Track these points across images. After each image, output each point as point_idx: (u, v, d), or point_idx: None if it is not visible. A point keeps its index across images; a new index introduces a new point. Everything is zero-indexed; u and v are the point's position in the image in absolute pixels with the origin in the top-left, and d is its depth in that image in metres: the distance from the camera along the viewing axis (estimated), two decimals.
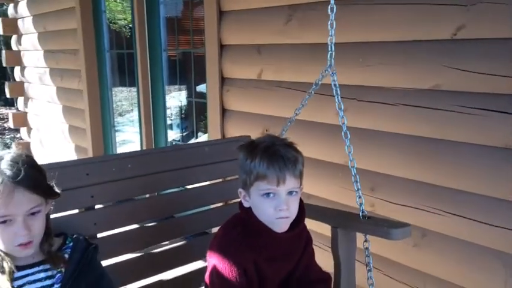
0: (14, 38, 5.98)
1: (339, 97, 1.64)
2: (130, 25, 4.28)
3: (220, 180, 1.94)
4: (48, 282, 1.21)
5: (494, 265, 1.80)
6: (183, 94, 4.19)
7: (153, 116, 4.09)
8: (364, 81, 2.15)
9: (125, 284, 1.47)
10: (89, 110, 4.60)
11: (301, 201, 1.34)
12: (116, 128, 4.82)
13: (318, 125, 2.42)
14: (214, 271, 1.27)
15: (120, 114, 5.02)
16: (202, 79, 3.81)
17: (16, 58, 5.95)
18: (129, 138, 4.83)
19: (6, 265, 1.15)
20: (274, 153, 1.23)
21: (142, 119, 4.10)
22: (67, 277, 1.22)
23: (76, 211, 1.55)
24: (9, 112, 9.25)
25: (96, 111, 4.65)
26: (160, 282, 1.66)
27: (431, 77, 1.90)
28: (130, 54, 4.20)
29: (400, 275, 2.16)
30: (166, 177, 1.70)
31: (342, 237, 1.57)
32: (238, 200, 1.37)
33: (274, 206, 1.24)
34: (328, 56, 1.64)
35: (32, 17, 5.36)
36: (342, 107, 1.64)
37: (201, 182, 1.84)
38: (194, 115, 4.04)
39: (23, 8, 5.54)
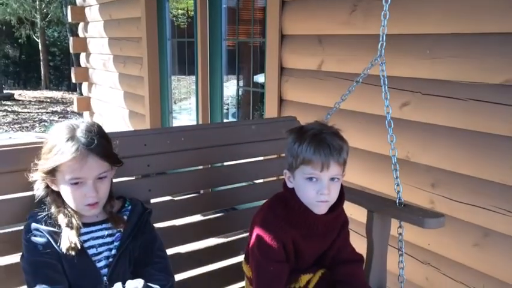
0: (81, 25, 6.26)
1: (386, 87, 1.67)
2: (187, 14, 4.37)
3: (261, 158, 2.02)
4: (108, 239, 1.34)
5: None
6: (241, 83, 4.24)
7: (210, 104, 4.17)
8: (430, 73, 2.09)
9: (171, 247, 1.59)
10: (149, 96, 4.75)
11: (342, 186, 1.40)
12: (173, 115, 4.95)
13: (377, 117, 2.39)
14: (256, 243, 1.37)
15: (176, 102, 5.15)
16: (259, 69, 3.84)
17: (82, 45, 6.23)
18: (184, 125, 4.95)
19: (74, 221, 1.27)
20: (321, 141, 1.29)
21: (199, 106, 4.19)
22: (125, 236, 1.34)
23: (133, 178, 1.67)
24: (73, 96, 9.75)
25: (156, 98, 4.80)
26: (205, 248, 1.78)
27: (503, 71, 1.83)
28: (191, 43, 4.29)
29: (458, 274, 2.10)
30: (215, 151, 1.81)
31: (376, 222, 1.63)
32: (279, 178, 1.42)
33: (316, 189, 1.31)
34: (379, 46, 1.67)
35: (98, 5, 5.59)
36: (388, 97, 1.66)
37: (247, 158, 1.92)
38: (251, 104, 4.08)
39: None
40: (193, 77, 4.40)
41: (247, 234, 1.51)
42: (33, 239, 1.24)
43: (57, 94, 15.77)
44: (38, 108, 12.28)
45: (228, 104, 4.39)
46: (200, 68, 4.07)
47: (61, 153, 1.23)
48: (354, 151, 2.42)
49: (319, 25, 2.66)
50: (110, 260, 1.31)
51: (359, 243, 1.60)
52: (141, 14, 4.62)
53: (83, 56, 6.37)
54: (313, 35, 2.71)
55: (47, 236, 1.24)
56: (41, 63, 18.10)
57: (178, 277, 1.48)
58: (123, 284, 1.24)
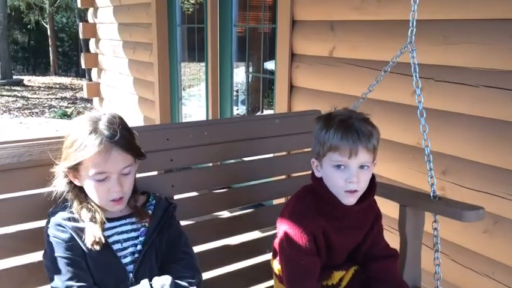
0: (90, 10, 6.26)
1: (417, 74, 1.61)
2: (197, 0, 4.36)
3: (285, 153, 1.98)
4: (133, 234, 1.29)
5: None
6: (250, 70, 4.23)
7: (220, 90, 4.18)
8: (443, 60, 2.08)
9: (195, 245, 1.53)
10: (159, 82, 4.76)
11: (373, 176, 1.34)
12: (182, 101, 4.97)
13: (389, 104, 2.38)
14: (285, 236, 1.31)
15: (185, 88, 5.15)
16: (270, 56, 3.83)
17: (92, 30, 6.24)
18: (194, 111, 4.97)
19: (98, 216, 1.23)
20: (349, 126, 1.24)
21: (209, 93, 4.19)
22: (151, 231, 1.30)
23: (155, 173, 1.63)
24: (82, 83, 9.79)
25: (165, 84, 4.81)
26: (231, 246, 1.75)
27: None
28: (201, 29, 4.28)
29: (467, 261, 2.11)
30: (238, 146, 1.76)
31: (410, 216, 1.57)
32: (306, 173, 1.40)
33: (344, 178, 1.26)
34: (409, 32, 1.60)
35: None
36: (420, 85, 1.61)
37: (271, 153, 1.89)
38: (261, 91, 4.08)
39: None
40: (202, 64, 4.40)
41: (275, 231, 1.47)
42: (56, 234, 1.20)
43: (66, 80, 15.83)
44: (48, 94, 12.34)
45: (237, 91, 4.39)
46: (210, 54, 4.07)
47: (84, 147, 1.19)
48: None
49: (331, 10, 2.65)
50: (136, 255, 1.27)
51: (388, 239, 1.55)
52: (151, 0, 4.61)
53: (92, 41, 6.38)
54: (325, 21, 2.70)
55: (71, 231, 1.20)
56: (50, 49, 18.14)
57: (203, 276, 1.41)
58: (150, 280, 1.20)
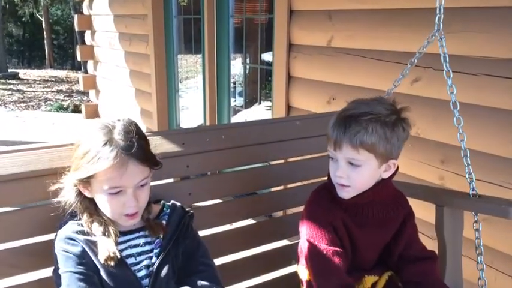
0: (85, 2, 6.21)
1: (447, 64, 1.54)
2: None
3: (311, 156, 1.85)
4: (147, 247, 1.21)
5: None
6: (248, 61, 4.21)
7: (217, 82, 4.15)
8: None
9: (215, 257, 1.40)
10: (155, 74, 4.73)
11: (398, 168, 1.27)
12: (179, 94, 4.94)
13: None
14: (306, 231, 1.27)
15: (182, 80, 5.12)
16: (267, 47, 3.81)
17: (87, 22, 6.19)
18: (191, 103, 4.95)
19: (111, 230, 1.15)
20: (341, 119, 1.20)
21: (206, 85, 4.17)
22: (166, 242, 1.21)
23: (171, 180, 1.53)
24: (77, 75, 9.74)
25: (162, 76, 4.78)
26: (253, 256, 1.66)
27: None
28: (197, 20, 4.25)
29: (465, 250, 2.11)
30: (258, 150, 1.67)
31: (448, 217, 1.48)
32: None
33: (333, 170, 1.24)
34: (436, 20, 1.52)
35: None
36: (451, 75, 1.53)
37: (293, 156, 1.81)
38: (258, 82, 4.06)
39: None
40: (199, 55, 4.37)
41: (297, 241, 1.39)
42: (66, 248, 1.12)
43: (61, 73, 15.75)
44: (43, 87, 12.27)
45: (235, 83, 4.37)
46: (207, 45, 4.04)
47: (97, 160, 1.09)
48: None
49: (329, 0, 2.63)
50: (151, 269, 1.18)
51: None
52: None
53: (87, 33, 6.33)
54: (323, 10, 2.68)
55: (83, 245, 1.12)
56: (45, 41, 18.03)
57: None
58: None
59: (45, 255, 1.20)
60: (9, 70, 15.13)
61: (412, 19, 2.17)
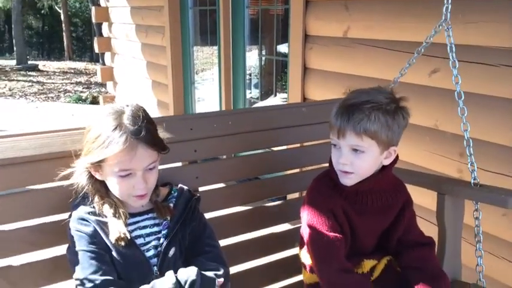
0: None
1: (454, 54, 1.54)
2: None
3: (316, 142, 1.86)
4: (155, 228, 1.26)
5: None
6: (263, 52, 4.19)
7: (233, 74, 4.14)
8: (461, 39, 2.00)
9: (220, 239, 1.46)
10: (171, 66, 4.75)
11: (397, 157, 1.31)
12: (195, 85, 4.95)
13: (405, 85, 2.33)
14: (307, 216, 1.31)
15: (198, 72, 5.13)
16: (282, 38, 3.78)
17: (104, 14, 6.22)
18: (207, 95, 4.96)
19: (122, 211, 1.20)
20: (345, 107, 1.23)
21: (222, 76, 4.16)
22: (173, 224, 1.26)
23: (179, 164, 1.59)
24: (96, 67, 9.84)
25: (178, 68, 4.79)
26: (257, 239, 1.69)
27: None
28: (213, 11, 4.23)
29: (484, 244, 2.07)
30: (264, 135, 1.70)
31: (449, 205, 1.51)
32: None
33: (337, 157, 1.27)
34: (444, 10, 1.52)
35: None
36: (457, 65, 1.54)
37: (299, 142, 1.82)
38: (274, 73, 4.03)
39: None
40: (215, 47, 4.36)
41: (299, 225, 1.42)
42: (79, 228, 1.17)
43: (80, 65, 15.93)
44: (62, 79, 12.44)
45: (250, 75, 4.35)
46: (222, 37, 4.03)
47: (108, 144, 1.13)
48: None
49: None
50: (159, 249, 1.23)
51: (423, 229, 1.47)
52: None
53: (105, 25, 6.37)
54: (339, 0, 2.64)
55: (94, 225, 1.17)
56: (64, 34, 18.23)
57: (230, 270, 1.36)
58: (175, 273, 1.15)
59: (59, 233, 1.26)
60: (29, 62, 15.36)
61: (429, 9, 2.12)
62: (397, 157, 1.31)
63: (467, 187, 1.50)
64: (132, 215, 1.25)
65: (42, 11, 18.21)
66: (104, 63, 6.76)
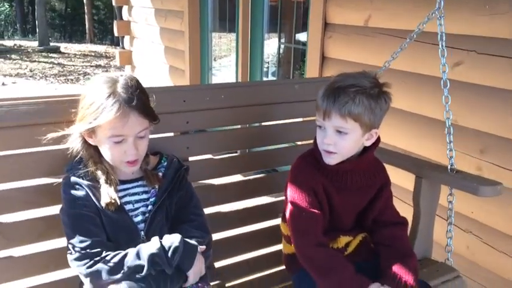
0: None
1: (444, 43, 1.59)
2: None
3: (309, 118, 1.89)
4: (144, 196, 1.32)
5: None
6: (282, 40, 4.12)
7: (250, 62, 4.09)
8: (488, 31, 1.93)
9: (208, 207, 1.56)
10: (189, 51, 4.71)
11: (379, 139, 1.36)
12: (212, 72, 4.91)
13: (423, 77, 2.25)
14: (289, 192, 1.37)
15: (216, 59, 5.09)
16: (302, 27, 3.70)
17: None
18: (223, 82, 4.91)
19: (113, 178, 1.27)
20: (331, 90, 1.28)
21: (239, 64, 4.12)
22: (161, 192, 1.32)
23: (171, 134, 1.64)
24: (115, 51, 9.86)
25: (196, 53, 4.75)
26: (243, 209, 1.76)
27: None
28: None
29: (501, 244, 2.01)
30: (255, 110, 1.75)
31: (425, 188, 1.57)
32: None
33: (321, 137, 1.32)
34: None
35: None
36: (445, 54, 1.58)
37: (289, 118, 1.85)
38: (292, 62, 3.97)
39: None
40: (233, 35, 4.31)
41: (283, 197, 1.48)
42: (73, 192, 1.24)
43: (100, 48, 16.01)
44: (83, 62, 12.52)
45: (268, 63, 4.30)
46: (241, 24, 3.97)
47: (102, 111, 1.19)
48: (397, 112, 2.33)
49: None
50: (146, 215, 1.30)
51: (402, 211, 1.51)
52: None
53: (125, 9, 6.36)
54: None
55: (86, 189, 1.24)
56: (86, 16, 18.33)
57: (214, 237, 1.45)
58: (161, 238, 1.22)
59: (53, 194, 1.32)
60: (51, 44, 15.49)
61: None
62: (378, 139, 1.36)
63: (444, 172, 1.56)
64: (123, 182, 1.31)
65: None
66: (123, 47, 6.76)
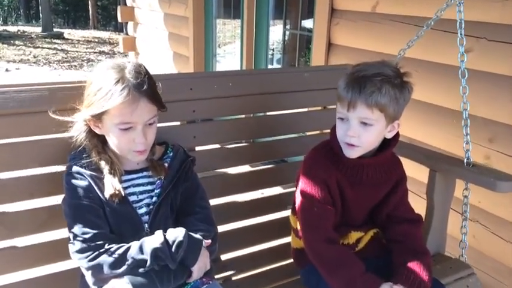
0: None
1: (463, 31, 1.53)
2: None
3: (319, 108, 1.88)
4: (149, 187, 1.28)
5: None
6: (287, 27, 4.07)
7: (255, 48, 4.05)
8: (499, 17, 1.89)
9: (215, 198, 1.51)
10: (193, 37, 4.67)
11: (397, 134, 1.32)
12: (217, 59, 4.87)
13: (435, 65, 2.22)
14: (301, 184, 1.33)
15: (221, 46, 5.04)
16: (308, 13, 3.65)
17: None
18: (228, 69, 4.87)
19: (117, 168, 1.22)
20: (355, 79, 1.22)
21: (243, 51, 4.07)
22: (166, 183, 1.28)
23: (178, 123, 1.60)
24: (119, 37, 9.82)
25: (200, 40, 4.71)
26: (251, 201, 1.73)
27: None
28: None
29: (508, 233, 2.00)
30: (264, 99, 1.70)
31: (440, 182, 1.52)
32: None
33: (344, 129, 1.25)
34: None
35: None
36: (464, 43, 1.53)
37: (299, 107, 1.81)
38: (297, 50, 3.92)
39: None
40: (238, 21, 4.26)
41: (294, 189, 1.43)
42: (75, 182, 1.19)
43: (104, 34, 15.94)
44: (86, 48, 12.47)
45: (273, 50, 4.25)
46: (246, 10, 3.92)
47: (110, 96, 1.14)
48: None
49: None
50: (151, 207, 1.26)
51: (415, 204, 1.47)
52: None
53: None
54: None
55: (89, 179, 1.19)
56: (89, 2, 18.21)
57: (220, 229, 1.40)
58: (165, 231, 1.18)
59: (56, 184, 1.28)
60: (55, 30, 15.42)
61: None
62: (398, 134, 1.32)
63: (459, 166, 1.50)
64: (127, 173, 1.27)
65: None
66: (126, 33, 6.71)
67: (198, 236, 1.21)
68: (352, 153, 1.27)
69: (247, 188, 1.70)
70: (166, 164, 1.31)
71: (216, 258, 1.36)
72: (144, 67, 1.23)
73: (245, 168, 1.73)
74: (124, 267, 1.14)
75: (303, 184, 1.32)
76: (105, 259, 1.14)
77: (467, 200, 1.51)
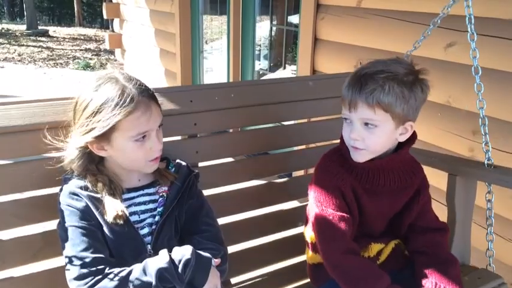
0: None
1: (472, 26, 1.45)
2: None
3: (323, 118, 1.79)
4: (151, 205, 1.20)
5: None
6: (274, 22, 4.07)
7: (242, 44, 4.04)
8: (483, 11, 1.90)
9: (220, 217, 1.39)
10: (180, 34, 4.64)
11: (414, 133, 1.22)
12: (204, 55, 4.85)
13: (419, 59, 2.23)
14: (314, 194, 1.24)
15: (208, 42, 5.02)
16: (294, 7, 3.65)
17: None
18: (216, 65, 4.86)
19: (116, 187, 1.15)
20: (357, 78, 1.15)
21: (230, 47, 4.06)
22: (169, 201, 1.20)
23: (179, 137, 1.53)
24: (105, 34, 9.72)
25: (187, 36, 4.69)
26: (258, 217, 1.63)
27: None
28: None
29: (503, 230, 2.01)
30: (268, 110, 1.62)
31: (460, 186, 1.43)
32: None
33: (348, 132, 1.18)
34: None
35: None
36: (475, 38, 1.45)
37: (305, 117, 1.74)
38: (284, 45, 3.92)
39: None
40: (225, 17, 4.25)
41: (307, 202, 1.35)
42: (70, 203, 1.11)
43: (90, 31, 15.78)
44: (72, 45, 12.33)
45: (260, 45, 4.25)
46: (232, 6, 3.91)
47: (120, 108, 1.06)
48: None
49: None
50: (153, 227, 1.17)
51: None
52: None
53: None
54: None
55: (86, 200, 1.11)
56: None
57: (229, 250, 1.29)
58: (169, 251, 1.09)
59: (50, 208, 1.19)
60: (40, 27, 15.23)
61: None
62: (414, 135, 1.22)
63: (480, 168, 1.42)
64: (128, 191, 1.19)
65: None
66: (112, 30, 6.66)
67: (206, 254, 1.13)
68: (358, 157, 1.19)
69: (256, 204, 1.61)
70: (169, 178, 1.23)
71: (225, 281, 1.28)
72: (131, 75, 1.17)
73: (252, 183, 1.63)
74: None
75: (316, 193, 1.23)
76: (106, 284, 1.05)
77: (491, 204, 1.42)
